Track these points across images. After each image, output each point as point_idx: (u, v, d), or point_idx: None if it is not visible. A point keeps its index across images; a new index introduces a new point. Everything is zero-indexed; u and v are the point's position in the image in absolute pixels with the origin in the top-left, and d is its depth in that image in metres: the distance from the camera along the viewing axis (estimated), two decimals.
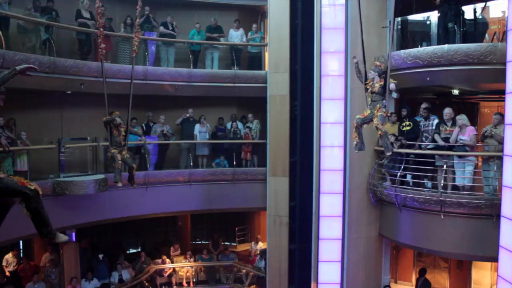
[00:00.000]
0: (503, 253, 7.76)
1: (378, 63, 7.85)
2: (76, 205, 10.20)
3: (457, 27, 9.17)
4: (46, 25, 9.96)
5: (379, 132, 7.44)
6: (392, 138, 9.79)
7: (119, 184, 9.04)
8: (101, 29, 8.73)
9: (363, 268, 10.42)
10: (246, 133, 12.66)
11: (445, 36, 9.27)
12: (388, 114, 7.58)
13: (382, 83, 7.47)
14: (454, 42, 9.01)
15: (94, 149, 10.99)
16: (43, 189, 9.78)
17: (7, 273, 11.59)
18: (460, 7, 9.33)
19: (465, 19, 9.38)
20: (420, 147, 9.52)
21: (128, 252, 14.58)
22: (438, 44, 9.30)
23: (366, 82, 7.72)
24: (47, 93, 10.78)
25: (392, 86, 7.29)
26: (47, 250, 11.94)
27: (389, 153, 7.63)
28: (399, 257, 11.84)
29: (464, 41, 9.08)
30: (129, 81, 9.27)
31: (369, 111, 7.58)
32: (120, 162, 8.89)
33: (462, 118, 8.89)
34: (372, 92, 7.59)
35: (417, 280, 10.89)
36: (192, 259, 13.51)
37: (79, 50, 10.85)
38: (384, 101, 7.42)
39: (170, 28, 12.32)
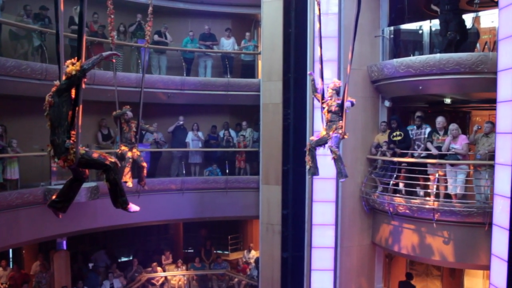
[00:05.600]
0: (495, 261, 7.79)
1: (336, 81, 7.24)
2: (68, 213, 9.99)
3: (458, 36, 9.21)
4: (39, 32, 9.93)
5: (333, 156, 6.86)
6: (385, 146, 9.85)
7: (129, 185, 8.29)
8: (112, 22, 8.35)
9: (355, 277, 10.40)
10: (239, 142, 12.65)
11: (443, 44, 9.27)
12: (346, 136, 6.94)
13: (340, 101, 6.88)
14: (455, 51, 9.03)
15: None
16: (34, 197, 9.73)
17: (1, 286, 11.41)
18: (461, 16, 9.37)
19: (467, 28, 9.44)
20: (412, 156, 9.55)
21: (119, 260, 14.46)
22: (435, 52, 9.38)
23: (323, 101, 7.12)
24: (39, 100, 10.67)
25: (347, 104, 6.73)
26: (37, 259, 11.82)
27: (342, 180, 7.04)
28: (392, 265, 11.84)
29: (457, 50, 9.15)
30: (122, 88, 9.19)
31: (324, 132, 7.02)
32: (130, 160, 8.33)
33: (455, 128, 8.96)
34: (328, 111, 7.01)
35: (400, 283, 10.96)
36: (184, 268, 13.43)
37: (71, 57, 10.78)
38: (340, 121, 6.86)
39: (163, 36, 12.34)
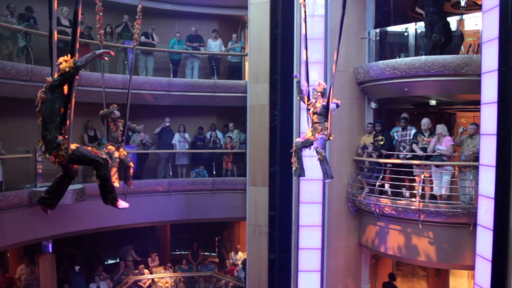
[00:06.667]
0: (480, 261, 7.88)
1: (321, 83, 7.31)
2: (53, 216, 9.92)
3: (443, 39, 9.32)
4: (24, 32, 9.84)
5: (319, 157, 6.86)
6: (371, 148, 9.92)
7: (116, 185, 8.11)
8: (101, 20, 8.25)
9: (342, 278, 10.44)
10: (226, 143, 12.64)
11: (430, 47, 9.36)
12: (331, 137, 6.99)
13: (325, 103, 6.88)
14: (440, 53, 9.15)
15: None
16: (19, 199, 9.62)
17: None
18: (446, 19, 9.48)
19: (451, 31, 9.55)
20: (398, 157, 9.63)
21: (106, 263, 14.36)
22: (420, 54, 9.48)
23: (308, 103, 7.18)
24: (24, 101, 10.57)
25: (332, 106, 6.75)
26: (23, 262, 11.68)
27: (328, 180, 7.03)
28: (378, 266, 11.91)
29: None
30: (108, 89, 9.11)
31: (310, 134, 7.05)
32: (117, 160, 8.29)
33: (442, 128, 9.06)
34: (314, 113, 7.06)
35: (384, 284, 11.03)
36: (171, 270, 13.38)
37: (58, 58, 10.70)
38: (326, 122, 6.91)
39: (150, 38, 12.31)
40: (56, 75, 4.58)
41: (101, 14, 8.06)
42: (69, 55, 4.60)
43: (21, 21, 10.13)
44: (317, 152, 6.89)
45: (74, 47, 4.62)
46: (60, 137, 4.52)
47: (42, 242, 11.36)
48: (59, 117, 4.55)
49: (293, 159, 7.27)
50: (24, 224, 9.54)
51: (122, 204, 5.13)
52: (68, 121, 4.61)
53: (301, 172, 7.35)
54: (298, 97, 7.54)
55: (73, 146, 4.70)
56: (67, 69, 4.51)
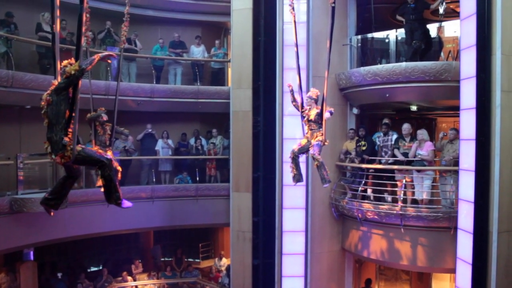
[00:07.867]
0: (460, 264, 8.00)
1: (314, 90, 7.44)
2: (35, 223, 9.90)
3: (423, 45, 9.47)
4: (4, 38, 9.74)
5: (316, 163, 6.99)
6: (353, 153, 10.01)
7: (102, 189, 8.17)
8: (88, 22, 8.15)
9: (326, 282, 10.48)
10: (210, 149, 12.63)
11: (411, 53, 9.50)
12: (326, 143, 7.12)
13: (319, 110, 7.03)
14: (420, 60, 9.29)
15: (54, 165, 10.71)
16: None
17: None
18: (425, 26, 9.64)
19: (431, 38, 9.71)
20: (380, 162, 9.73)
21: (89, 270, 14.22)
22: (401, 61, 9.62)
23: (303, 110, 7.33)
24: (5, 108, 10.50)
25: (327, 114, 6.88)
26: (2, 271, 11.51)
27: (325, 185, 7.13)
28: (362, 270, 11.97)
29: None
30: (89, 95, 9.05)
31: (306, 140, 7.22)
32: None
33: (422, 133, 9.18)
34: (308, 120, 7.21)
35: None
36: (155, 277, 13.28)
37: (39, 64, 10.64)
38: (321, 129, 7.05)
39: (133, 44, 12.27)
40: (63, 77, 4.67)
41: (88, 15, 7.98)
42: (73, 59, 4.69)
43: (1, 26, 10.03)
44: (314, 158, 7.02)
45: (79, 51, 4.73)
46: (66, 139, 4.61)
47: (23, 250, 11.23)
48: (64, 119, 4.63)
49: (291, 166, 7.41)
50: (4, 232, 9.41)
51: (126, 203, 5.20)
52: (73, 123, 4.69)
53: (299, 178, 7.50)
54: (292, 105, 7.63)
55: (78, 147, 4.80)
56: (72, 72, 4.58)
